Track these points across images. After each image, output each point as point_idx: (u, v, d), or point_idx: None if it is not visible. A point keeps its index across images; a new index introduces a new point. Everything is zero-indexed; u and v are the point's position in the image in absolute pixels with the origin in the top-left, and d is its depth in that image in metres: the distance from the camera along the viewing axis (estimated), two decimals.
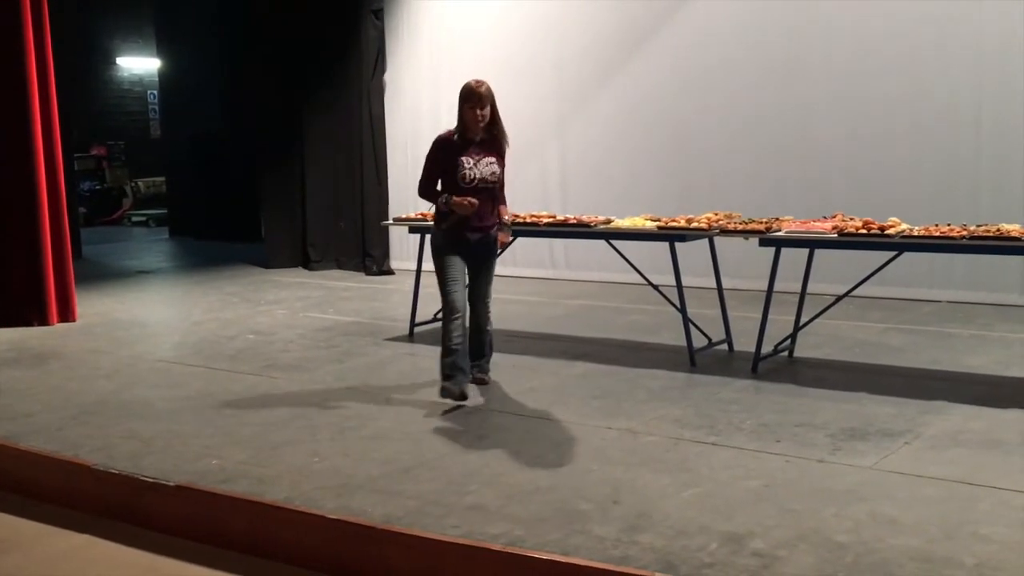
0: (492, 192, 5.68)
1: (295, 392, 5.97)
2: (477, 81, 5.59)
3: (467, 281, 5.75)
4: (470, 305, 5.78)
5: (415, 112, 10.69)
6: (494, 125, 5.63)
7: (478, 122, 5.55)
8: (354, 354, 6.96)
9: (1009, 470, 4.34)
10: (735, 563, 3.48)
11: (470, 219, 5.60)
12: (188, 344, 7.50)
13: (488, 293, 5.88)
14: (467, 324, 5.74)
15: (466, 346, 5.67)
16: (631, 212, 7.13)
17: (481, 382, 5.93)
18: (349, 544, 3.93)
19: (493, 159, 5.63)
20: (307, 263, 11.28)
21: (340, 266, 11.10)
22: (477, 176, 5.56)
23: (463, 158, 5.55)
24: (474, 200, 5.51)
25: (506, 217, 5.87)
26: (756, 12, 8.79)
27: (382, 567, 3.84)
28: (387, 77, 10.97)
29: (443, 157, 5.61)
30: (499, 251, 5.89)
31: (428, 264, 7.61)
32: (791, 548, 3.59)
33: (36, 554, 4.27)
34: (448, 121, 5.76)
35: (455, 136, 5.63)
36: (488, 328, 5.97)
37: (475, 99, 5.53)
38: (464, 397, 5.52)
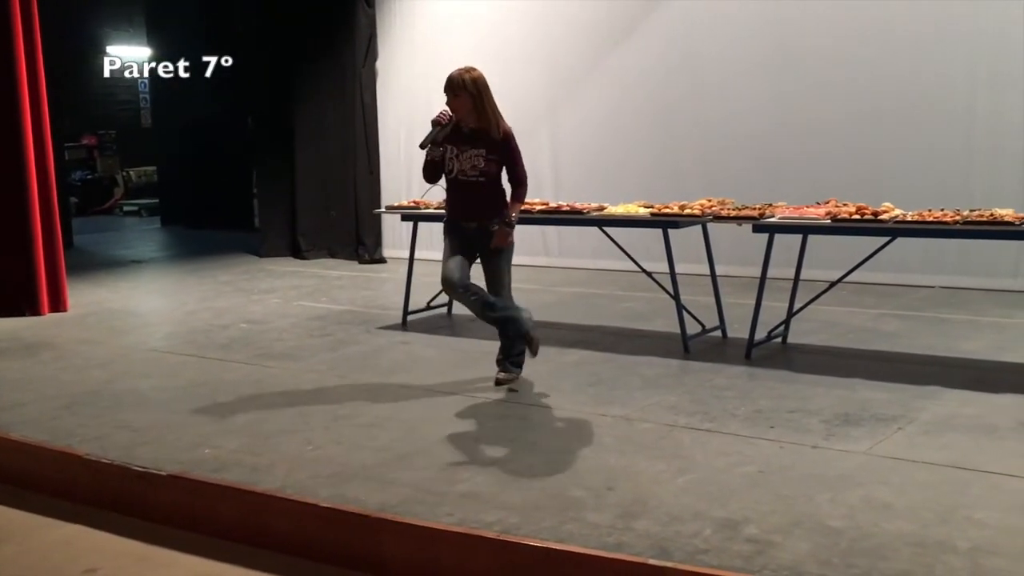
0: (477, 186, 5.45)
1: (288, 381, 5.95)
2: (461, 68, 5.42)
3: (470, 264, 5.54)
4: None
5: (407, 100, 10.62)
6: (483, 115, 5.39)
7: (459, 111, 5.38)
8: (347, 343, 6.94)
9: (1003, 455, 4.34)
10: (730, 549, 3.48)
11: (460, 207, 5.51)
12: (181, 334, 7.48)
13: (499, 291, 5.51)
14: (476, 296, 5.48)
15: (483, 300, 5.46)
16: (624, 199, 7.11)
17: (498, 382, 5.62)
18: (343, 532, 3.92)
19: (480, 152, 5.41)
20: (298, 252, 11.24)
21: (333, 255, 11.07)
22: (456, 168, 5.44)
23: (449, 145, 5.43)
24: (445, 111, 5.38)
25: (512, 215, 5.53)
26: None
27: (376, 555, 3.83)
28: (379, 65, 10.91)
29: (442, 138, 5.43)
30: (504, 250, 5.51)
31: (420, 252, 7.66)
32: (786, 534, 3.59)
33: (29, 544, 4.26)
34: (438, 108, 5.65)
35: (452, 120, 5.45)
36: (504, 318, 5.49)
37: (446, 87, 5.39)
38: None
